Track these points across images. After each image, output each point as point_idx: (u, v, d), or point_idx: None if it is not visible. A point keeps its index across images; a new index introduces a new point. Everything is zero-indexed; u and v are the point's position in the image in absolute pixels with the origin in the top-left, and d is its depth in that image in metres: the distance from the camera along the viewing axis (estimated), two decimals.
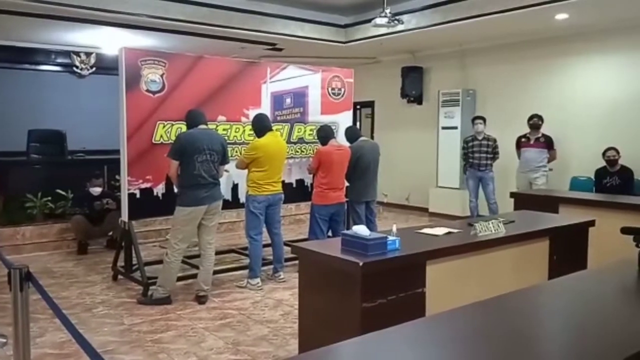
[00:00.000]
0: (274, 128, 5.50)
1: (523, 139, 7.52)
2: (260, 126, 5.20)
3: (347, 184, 5.83)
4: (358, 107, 10.92)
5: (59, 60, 9.51)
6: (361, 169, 5.81)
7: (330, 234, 5.58)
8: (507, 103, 8.49)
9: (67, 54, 9.44)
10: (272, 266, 5.51)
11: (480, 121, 7.77)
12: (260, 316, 4.46)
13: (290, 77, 6.10)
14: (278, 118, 6.00)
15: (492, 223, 3.48)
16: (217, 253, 5.81)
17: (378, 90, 10.66)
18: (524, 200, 5.55)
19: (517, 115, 7.77)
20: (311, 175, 5.82)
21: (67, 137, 8.15)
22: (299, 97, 6.18)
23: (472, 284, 3.24)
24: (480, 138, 7.73)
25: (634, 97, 7.17)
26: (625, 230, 2.46)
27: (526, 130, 7.49)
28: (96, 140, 8.02)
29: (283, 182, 5.55)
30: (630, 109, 7.20)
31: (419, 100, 9.94)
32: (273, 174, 5.18)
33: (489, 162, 7.70)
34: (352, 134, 6.06)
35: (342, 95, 6.57)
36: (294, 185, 6.19)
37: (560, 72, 7.99)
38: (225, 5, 7.34)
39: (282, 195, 5.37)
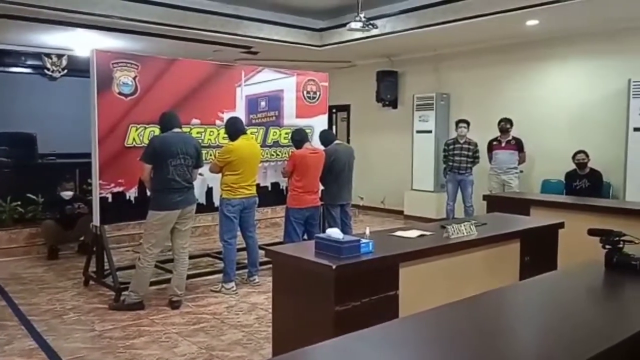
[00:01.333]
0: (248, 131, 5.49)
1: (494, 142, 7.66)
2: (234, 129, 5.17)
3: (322, 187, 5.84)
4: (334, 110, 10.95)
5: (30, 62, 9.31)
6: (336, 172, 5.82)
7: (305, 237, 5.57)
8: (480, 107, 8.61)
9: (38, 55, 9.24)
10: (247, 270, 5.48)
11: (464, 125, 7.83)
12: (235, 320, 4.43)
13: (265, 81, 6.09)
14: (253, 121, 5.98)
15: (464, 225, 3.51)
16: (192, 257, 5.77)
17: (354, 94, 10.71)
18: (496, 203, 5.62)
19: (490, 119, 7.88)
20: (286, 179, 5.81)
21: (37, 140, 7.98)
22: (274, 100, 6.17)
23: (445, 286, 3.27)
24: (461, 142, 7.81)
25: (601, 101, 7.34)
26: (592, 232, 2.51)
27: (498, 133, 7.62)
28: (68, 144, 7.86)
29: (258, 185, 5.54)
30: (598, 112, 7.37)
31: (394, 104, 10.01)
32: (247, 178, 5.16)
33: (469, 165, 7.78)
34: (326, 137, 6.07)
35: (317, 99, 6.58)
36: (270, 189, 6.17)
37: (531, 76, 8.14)
38: (199, 8, 7.28)
39: (257, 199, 5.35)
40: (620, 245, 2.42)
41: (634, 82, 6.70)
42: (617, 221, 4.17)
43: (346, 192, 6.04)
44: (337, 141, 6.12)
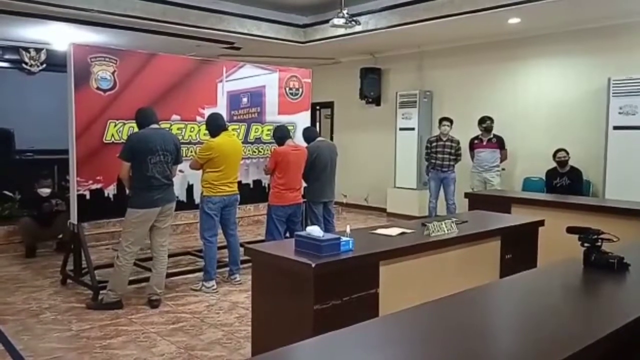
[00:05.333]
0: (230, 128, 5.43)
1: (476, 141, 7.68)
2: (215, 126, 5.11)
3: (304, 184, 5.80)
4: (317, 107, 10.92)
5: (7, 56, 9.11)
6: (318, 170, 5.78)
7: (288, 234, 5.53)
8: (462, 104, 8.64)
9: (15, 49, 9.06)
10: (228, 268, 5.43)
11: (447, 123, 7.84)
12: (215, 319, 4.38)
13: (247, 77, 6.03)
14: (234, 118, 5.92)
15: (445, 223, 3.51)
16: (172, 255, 5.70)
17: (337, 91, 10.68)
18: (478, 201, 5.63)
19: (472, 117, 7.90)
20: (268, 176, 5.76)
21: (15, 136, 7.84)
22: (256, 96, 6.12)
23: (426, 284, 3.26)
24: (444, 139, 7.82)
25: (582, 99, 7.40)
26: (570, 230, 2.51)
27: (479, 131, 7.65)
28: (46, 140, 7.70)
29: (240, 182, 5.48)
30: (578, 110, 7.43)
31: (377, 101, 10.00)
32: (228, 175, 5.10)
33: (451, 163, 7.79)
34: (309, 134, 6.03)
35: (300, 96, 6.54)
36: (252, 186, 6.13)
37: (513, 74, 8.18)
38: (180, 2, 7.19)
39: (238, 196, 5.29)
40: (599, 244, 2.43)
41: (614, 80, 6.77)
42: (596, 219, 4.18)
43: (328, 189, 6.00)
44: (319, 138, 6.08)
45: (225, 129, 5.17)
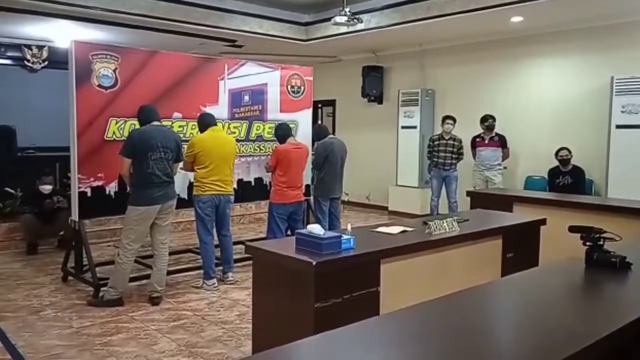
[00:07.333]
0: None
1: (478, 139, 7.67)
2: (203, 122, 5.10)
3: (306, 182, 5.79)
4: (319, 105, 10.90)
5: (9, 54, 9.12)
6: (330, 166, 5.83)
7: (289, 232, 5.52)
8: (464, 103, 8.62)
9: (17, 47, 9.07)
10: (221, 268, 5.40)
11: (450, 121, 7.83)
12: (216, 317, 4.37)
13: (249, 74, 6.02)
14: (236, 115, 5.92)
15: (446, 222, 3.50)
16: (174, 253, 5.70)
17: (339, 89, 10.67)
18: (479, 199, 5.62)
19: (474, 115, 7.88)
20: (269, 174, 5.75)
21: (16, 133, 7.84)
22: (258, 94, 6.10)
23: (427, 282, 3.25)
24: (446, 138, 7.81)
25: (584, 98, 7.38)
26: (573, 229, 2.50)
27: (481, 129, 7.63)
28: (48, 137, 7.72)
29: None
30: (581, 109, 7.40)
31: (379, 99, 9.99)
32: (217, 172, 5.00)
33: (453, 161, 7.78)
34: (319, 131, 6.07)
35: (302, 93, 6.53)
36: (253, 184, 6.12)
37: (515, 72, 8.16)
38: (184, 0, 7.18)
39: (232, 197, 5.21)
40: (601, 243, 2.42)
41: (617, 79, 6.74)
42: (598, 218, 4.18)
43: (337, 186, 6.04)
44: (331, 136, 6.11)
45: (213, 125, 5.12)
